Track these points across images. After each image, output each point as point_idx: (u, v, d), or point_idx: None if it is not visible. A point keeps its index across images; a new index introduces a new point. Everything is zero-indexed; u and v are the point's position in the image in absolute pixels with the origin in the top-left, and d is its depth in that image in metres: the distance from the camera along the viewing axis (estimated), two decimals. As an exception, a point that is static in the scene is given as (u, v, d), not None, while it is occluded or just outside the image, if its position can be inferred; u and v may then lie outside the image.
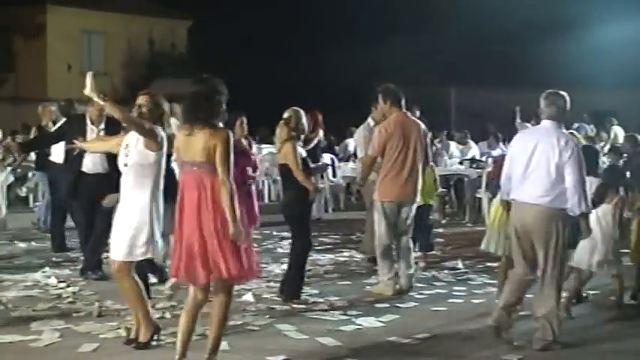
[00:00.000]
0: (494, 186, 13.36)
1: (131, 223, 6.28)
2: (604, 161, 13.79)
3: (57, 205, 10.73)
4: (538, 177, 6.45)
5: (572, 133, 13.91)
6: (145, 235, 6.27)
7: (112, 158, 7.97)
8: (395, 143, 8.46)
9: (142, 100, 6.46)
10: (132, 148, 6.34)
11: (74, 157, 8.90)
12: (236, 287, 8.37)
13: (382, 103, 8.73)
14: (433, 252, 10.56)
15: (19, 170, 15.18)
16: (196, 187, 5.67)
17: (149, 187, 6.30)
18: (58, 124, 10.65)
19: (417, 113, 10.19)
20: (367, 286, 8.78)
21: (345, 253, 10.84)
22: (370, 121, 10.09)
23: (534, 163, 6.48)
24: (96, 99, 6.33)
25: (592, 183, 7.39)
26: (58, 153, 10.12)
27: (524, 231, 6.56)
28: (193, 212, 5.66)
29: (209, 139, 5.65)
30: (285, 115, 8.21)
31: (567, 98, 6.63)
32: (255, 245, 8.53)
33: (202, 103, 5.72)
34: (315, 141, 13.34)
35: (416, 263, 9.23)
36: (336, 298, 8.15)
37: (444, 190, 12.17)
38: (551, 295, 6.53)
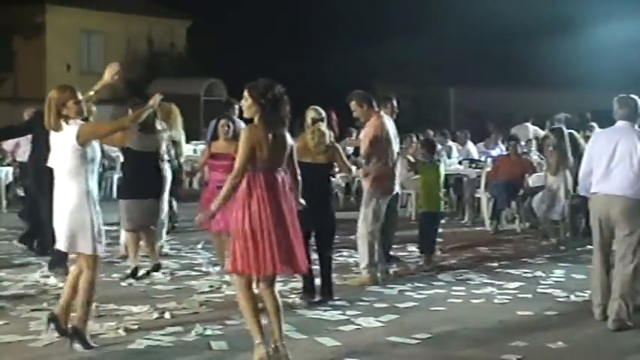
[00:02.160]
0: (492, 186, 13.45)
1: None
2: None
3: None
4: (622, 171, 7.08)
5: (571, 132, 13.98)
6: None
7: None
8: (386, 144, 8.88)
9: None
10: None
11: (40, 152, 8.90)
12: (235, 287, 8.40)
13: (359, 108, 8.98)
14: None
15: (17, 170, 15.17)
16: (284, 186, 6.05)
17: None
18: (26, 119, 10.76)
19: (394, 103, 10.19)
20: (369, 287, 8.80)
21: (345, 253, 10.83)
22: None
23: (617, 158, 7.10)
24: None
25: None
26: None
27: (608, 221, 7.19)
28: (288, 209, 6.02)
29: (288, 141, 6.11)
30: (316, 115, 8.21)
31: (638, 100, 7.30)
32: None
33: (287, 107, 6.09)
34: None
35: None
36: (335, 298, 8.15)
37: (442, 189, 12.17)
38: (628, 277, 7.16)
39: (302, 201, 6.45)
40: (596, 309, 7.45)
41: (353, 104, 9.00)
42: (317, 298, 8.07)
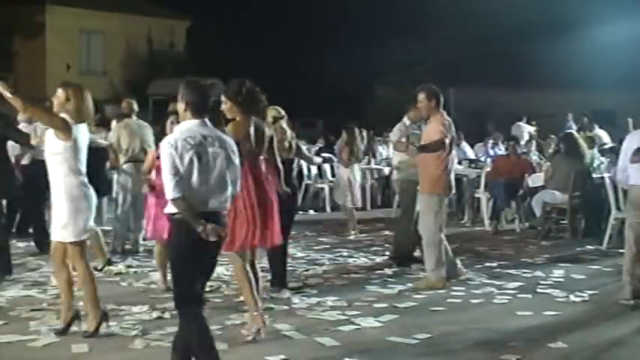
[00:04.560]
0: (492, 186, 13.45)
1: (61, 209, 6.61)
2: (602, 161, 13.82)
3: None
4: None
5: (569, 132, 13.98)
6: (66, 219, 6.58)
7: None
8: (449, 142, 8.81)
9: (59, 93, 6.68)
10: (48, 138, 6.70)
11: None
12: (235, 287, 8.39)
13: (427, 101, 8.91)
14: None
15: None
16: (266, 172, 6.86)
17: (64, 174, 6.56)
18: None
19: None
20: (368, 287, 8.80)
21: (344, 253, 10.84)
22: (406, 120, 10.16)
23: None
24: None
25: None
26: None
27: None
28: (271, 191, 6.83)
29: (267, 132, 6.82)
30: (276, 114, 8.37)
31: None
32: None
33: (263, 96, 6.84)
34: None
35: None
36: (335, 298, 8.15)
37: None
38: None
39: (284, 187, 7.25)
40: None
41: (422, 96, 8.90)
42: (286, 294, 8.23)
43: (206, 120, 5.49)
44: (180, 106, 5.53)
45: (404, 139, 9.78)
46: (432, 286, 8.66)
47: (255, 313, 6.63)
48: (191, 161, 5.30)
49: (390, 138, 10.58)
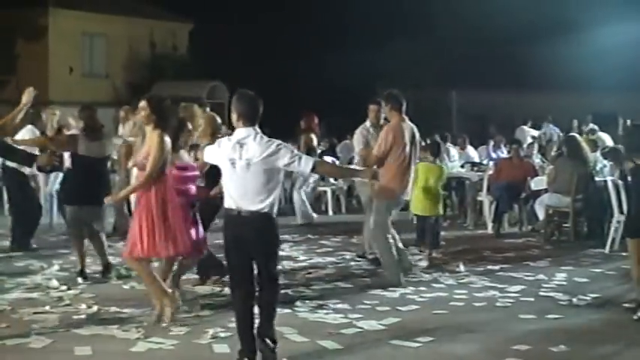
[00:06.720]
0: (494, 189, 13.43)
1: None
2: (605, 164, 13.81)
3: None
4: None
5: (572, 135, 13.95)
6: None
7: None
8: (401, 147, 9.02)
9: None
10: None
11: None
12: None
13: (384, 105, 9.42)
14: (434, 255, 10.57)
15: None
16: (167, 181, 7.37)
17: None
18: None
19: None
20: (371, 290, 8.81)
21: (347, 256, 10.82)
22: (367, 123, 10.31)
23: None
24: None
25: None
26: None
27: None
28: (172, 200, 7.29)
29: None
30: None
31: None
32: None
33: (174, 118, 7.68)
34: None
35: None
36: (337, 301, 8.14)
37: (444, 192, 12.20)
38: None
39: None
40: None
41: (383, 101, 9.46)
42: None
43: (255, 127, 5.93)
44: (233, 117, 5.99)
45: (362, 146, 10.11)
46: (388, 285, 8.83)
47: (167, 300, 7.16)
48: (225, 164, 5.92)
49: (353, 140, 10.80)
